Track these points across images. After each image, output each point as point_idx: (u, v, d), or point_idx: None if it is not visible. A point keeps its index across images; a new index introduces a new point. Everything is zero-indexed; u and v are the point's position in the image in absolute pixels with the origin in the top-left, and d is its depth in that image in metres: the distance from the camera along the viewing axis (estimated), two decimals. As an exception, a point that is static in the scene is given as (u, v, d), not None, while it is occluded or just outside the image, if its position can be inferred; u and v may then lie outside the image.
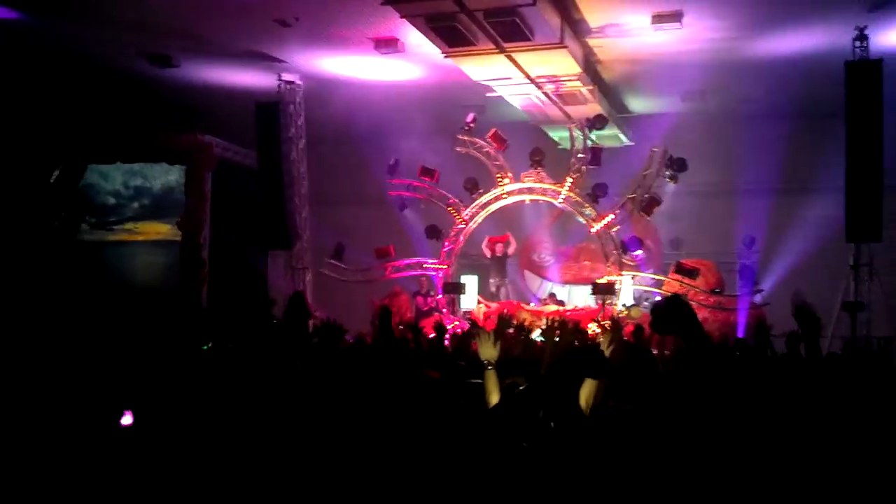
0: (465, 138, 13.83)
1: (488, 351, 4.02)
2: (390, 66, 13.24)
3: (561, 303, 13.96)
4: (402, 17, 10.45)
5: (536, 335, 8.26)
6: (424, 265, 14.10)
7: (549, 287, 15.60)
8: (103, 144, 15.87)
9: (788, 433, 3.60)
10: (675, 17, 10.86)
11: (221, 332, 7.23)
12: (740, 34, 11.74)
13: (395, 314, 14.02)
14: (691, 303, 12.58)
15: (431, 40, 11.12)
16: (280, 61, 13.51)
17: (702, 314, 12.44)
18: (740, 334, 11.98)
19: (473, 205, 13.93)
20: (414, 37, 11.44)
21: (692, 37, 11.69)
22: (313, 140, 15.23)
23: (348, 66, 13.45)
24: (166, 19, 11.71)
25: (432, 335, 8.33)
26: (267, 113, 14.33)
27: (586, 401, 3.56)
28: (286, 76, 14.17)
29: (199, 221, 15.47)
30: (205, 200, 15.58)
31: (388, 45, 12.12)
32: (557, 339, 4.99)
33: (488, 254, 14.57)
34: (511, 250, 14.65)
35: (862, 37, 11.46)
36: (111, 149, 15.90)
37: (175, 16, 11.58)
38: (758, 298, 12.72)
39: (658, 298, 13.34)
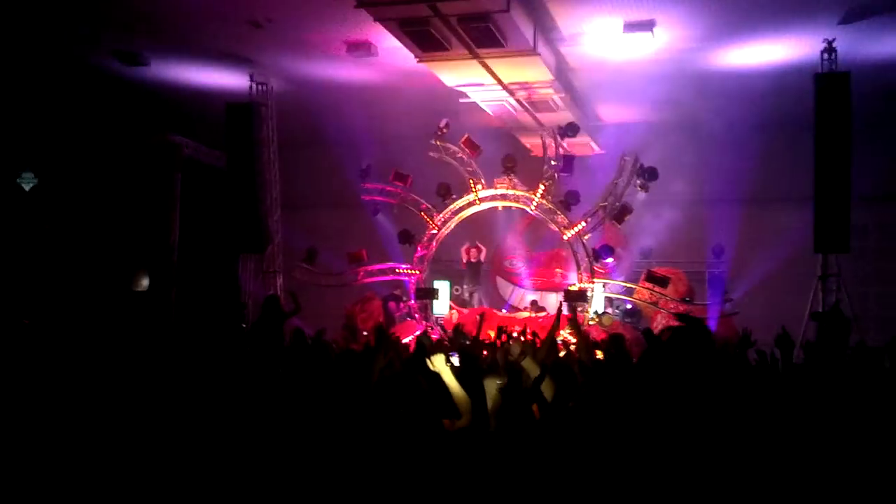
0: (439, 143, 13.80)
1: None
2: (364, 69, 13.18)
3: (542, 309, 13.89)
4: (375, 20, 10.40)
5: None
6: (397, 270, 14.03)
7: (520, 293, 15.58)
8: (70, 145, 15.65)
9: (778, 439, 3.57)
10: (647, 25, 10.93)
11: (190, 338, 7.09)
12: (710, 45, 11.84)
13: (367, 319, 14.07)
14: (661, 311, 12.60)
15: (405, 45, 11.07)
16: (252, 62, 13.40)
17: (671, 323, 12.53)
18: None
19: (446, 210, 13.90)
20: (388, 41, 11.38)
21: (663, 46, 11.76)
22: (286, 142, 15.10)
23: (321, 68, 13.37)
24: (137, 15, 11.54)
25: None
26: (238, 114, 14.17)
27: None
28: (258, 77, 14.05)
29: (168, 223, 15.30)
30: (174, 202, 15.41)
31: (360, 48, 12.05)
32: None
33: (465, 259, 14.57)
34: (483, 257, 14.66)
35: (830, 49, 11.58)
36: (78, 149, 15.68)
37: (145, 12, 11.42)
38: (727, 307, 12.80)
39: (629, 306, 13.45)
